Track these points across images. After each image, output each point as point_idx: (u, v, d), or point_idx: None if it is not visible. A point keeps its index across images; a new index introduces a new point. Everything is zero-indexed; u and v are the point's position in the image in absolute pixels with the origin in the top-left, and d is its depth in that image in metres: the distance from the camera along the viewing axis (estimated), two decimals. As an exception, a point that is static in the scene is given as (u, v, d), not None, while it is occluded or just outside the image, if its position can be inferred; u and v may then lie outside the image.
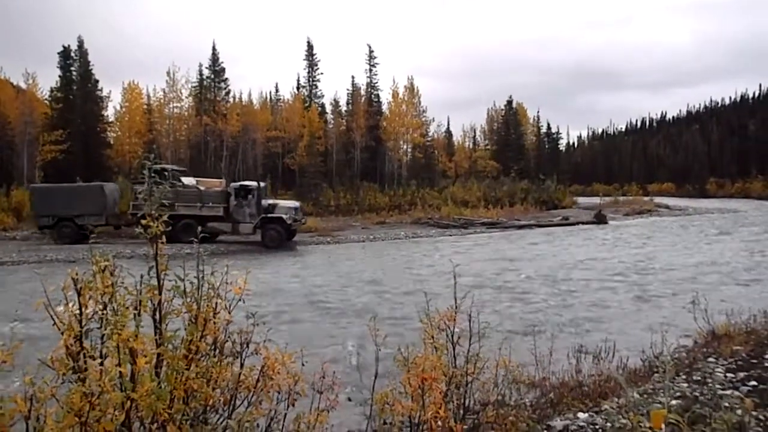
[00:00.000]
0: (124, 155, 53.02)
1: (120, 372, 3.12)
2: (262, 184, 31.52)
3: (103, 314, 3.23)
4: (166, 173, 30.68)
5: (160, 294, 3.44)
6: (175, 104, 54.76)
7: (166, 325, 3.47)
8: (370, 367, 5.01)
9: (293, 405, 3.96)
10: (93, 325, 3.21)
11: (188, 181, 31.45)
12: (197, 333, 3.53)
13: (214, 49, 56.67)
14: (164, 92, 54.70)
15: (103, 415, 3.02)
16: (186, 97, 55.31)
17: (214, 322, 3.68)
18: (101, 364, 3.13)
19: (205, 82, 56.78)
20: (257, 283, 16.56)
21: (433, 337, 4.56)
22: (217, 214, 29.68)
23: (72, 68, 51.81)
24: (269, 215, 29.17)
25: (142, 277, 3.43)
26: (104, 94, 54.66)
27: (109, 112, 56.58)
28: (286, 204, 31.07)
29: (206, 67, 56.75)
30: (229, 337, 3.85)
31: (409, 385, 4.32)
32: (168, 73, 53.19)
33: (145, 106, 56.59)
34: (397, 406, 4.25)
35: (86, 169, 43.82)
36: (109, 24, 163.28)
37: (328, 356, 9.40)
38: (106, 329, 3.18)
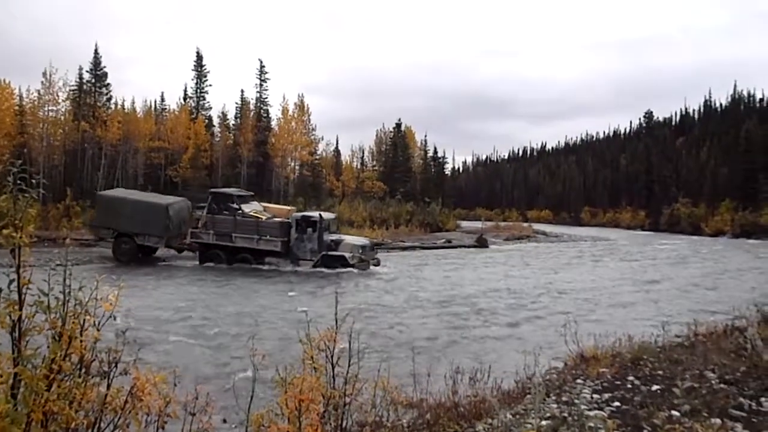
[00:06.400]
0: (-10, 159, 49.39)
1: (-30, 393, 2.89)
2: (327, 215, 28.64)
3: (-47, 330, 2.98)
4: (231, 198, 28.31)
5: (20, 309, 3.22)
6: (50, 107, 51.63)
7: (27, 342, 3.25)
8: (248, 388, 4.89)
9: (163, 428, 3.80)
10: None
11: (254, 206, 28.87)
12: (61, 351, 3.32)
13: (96, 52, 54.07)
14: (39, 94, 51.51)
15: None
16: (63, 101, 52.26)
17: (81, 340, 3.48)
18: (-51, 384, 2.88)
19: (84, 86, 53.94)
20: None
21: (312, 357, 4.52)
22: (275, 249, 26.80)
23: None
24: (331, 253, 26.35)
25: (1, 291, 3.20)
26: (-31, 91, 50.88)
27: (-25, 112, 52.62)
28: (353, 241, 27.89)
29: (87, 71, 54.02)
30: (96, 356, 3.65)
31: (286, 406, 4.26)
32: (44, 74, 50.11)
33: (16, 108, 53.03)
34: (272, 427, 4.17)
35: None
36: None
37: (204, 378, 9.12)
38: (-44, 346, 2.94)
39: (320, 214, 27.78)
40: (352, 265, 25.93)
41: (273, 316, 16.15)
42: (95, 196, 31.96)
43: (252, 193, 33.44)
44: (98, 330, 3.59)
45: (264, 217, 27.62)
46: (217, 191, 30.22)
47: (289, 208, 31.16)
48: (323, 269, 25.92)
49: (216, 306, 17.50)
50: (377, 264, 27.86)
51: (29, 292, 3.28)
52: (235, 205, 27.65)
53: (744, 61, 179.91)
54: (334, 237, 27.18)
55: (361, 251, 26.64)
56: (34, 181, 3.45)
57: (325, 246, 26.38)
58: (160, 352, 11.42)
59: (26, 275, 3.27)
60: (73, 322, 3.44)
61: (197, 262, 27.77)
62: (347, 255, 26.13)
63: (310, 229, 26.54)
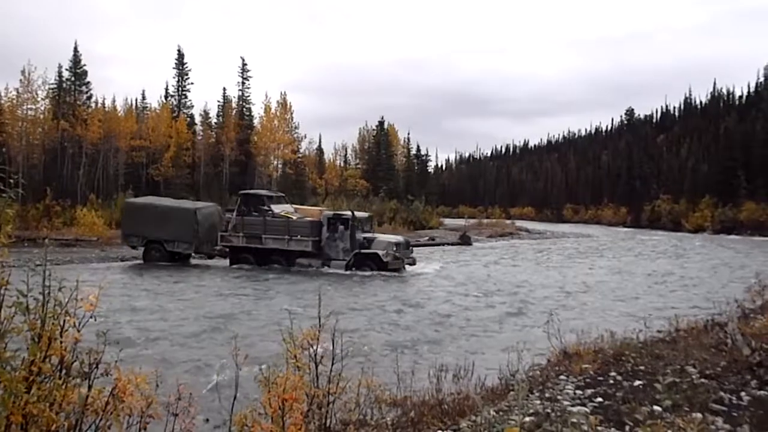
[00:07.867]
0: (-32, 158, 48.62)
1: (-53, 396, 2.85)
2: (360, 213, 27.66)
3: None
4: (262, 200, 27.81)
5: (-1, 310, 3.19)
6: (29, 106, 51.00)
7: (5, 344, 3.21)
8: (231, 388, 4.87)
9: (145, 429, 3.77)
10: None
11: (284, 207, 28.15)
12: (40, 353, 3.28)
13: (75, 49, 53.41)
14: (18, 92, 50.83)
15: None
16: (42, 99, 51.61)
17: (61, 342, 3.44)
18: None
19: (64, 84, 53.38)
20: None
21: (295, 356, 4.51)
22: (306, 249, 25.87)
23: None
24: (363, 251, 25.30)
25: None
26: (-53, 90, 50.14)
27: (-47, 111, 51.84)
28: (387, 238, 26.87)
29: (66, 69, 53.43)
30: (77, 357, 3.60)
31: (270, 406, 4.24)
32: (23, 72, 49.43)
33: (-5, 106, 52.33)
34: (256, 427, 4.15)
35: None
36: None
37: (187, 378, 9.06)
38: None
39: (353, 212, 26.96)
40: (386, 264, 24.89)
41: (275, 316, 16.08)
42: (124, 204, 31.70)
43: (283, 194, 32.60)
44: (78, 331, 3.54)
45: (295, 217, 27.05)
46: (247, 192, 29.60)
47: (320, 208, 30.44)
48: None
49: (222, 307, 17.29)
50: (413, 263, 26.89)
51: (7, 293, 3.24)
52: (265, 207, 27.15)
53: (723, 59, 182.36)
54: (367, 235, 26.34)
55: (395, 249, 25.53)
56: (12, 180, 3.40)
57: (357, 244, 25.46)
58: (147, 351, 11.32)
59: (4, 276, 3.23)
60: (53, 324, 3.39)
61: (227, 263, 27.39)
62: (381, 253, 25.01)
63: (342, 228, 25.66)
